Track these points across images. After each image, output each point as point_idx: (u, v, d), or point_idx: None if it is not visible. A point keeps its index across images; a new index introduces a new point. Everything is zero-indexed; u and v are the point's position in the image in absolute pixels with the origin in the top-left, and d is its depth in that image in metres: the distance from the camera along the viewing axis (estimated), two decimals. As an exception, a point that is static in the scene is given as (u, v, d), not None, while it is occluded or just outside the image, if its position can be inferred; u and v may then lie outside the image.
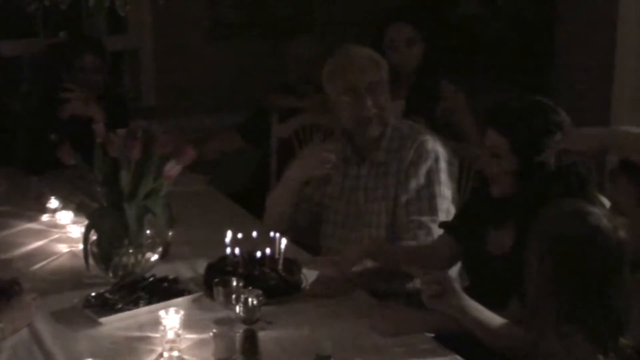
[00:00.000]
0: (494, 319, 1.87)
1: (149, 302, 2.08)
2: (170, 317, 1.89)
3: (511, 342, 1.83)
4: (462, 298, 1.85)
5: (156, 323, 1.91)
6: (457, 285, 1.86)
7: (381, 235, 2.46)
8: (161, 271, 2.24)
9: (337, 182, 2.60)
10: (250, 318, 1.84)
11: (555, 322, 1.63)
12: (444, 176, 2.48)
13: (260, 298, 1.87)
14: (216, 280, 2.00)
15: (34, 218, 2.73)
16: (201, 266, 2.27)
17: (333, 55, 2.53)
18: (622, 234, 1.62)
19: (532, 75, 3.59)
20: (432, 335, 1.99)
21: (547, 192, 1.96)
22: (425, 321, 2.00)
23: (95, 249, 2.24)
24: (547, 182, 1.99)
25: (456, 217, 2.35)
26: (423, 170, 2.44)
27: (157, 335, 1.90)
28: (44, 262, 2.40)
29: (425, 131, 2.56)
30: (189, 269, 2.33)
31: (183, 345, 1.89)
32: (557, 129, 2.00)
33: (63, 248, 2.50)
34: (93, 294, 2.10)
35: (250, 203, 3.03)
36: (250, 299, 1.84)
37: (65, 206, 2.69)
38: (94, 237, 2.24)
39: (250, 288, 1.91)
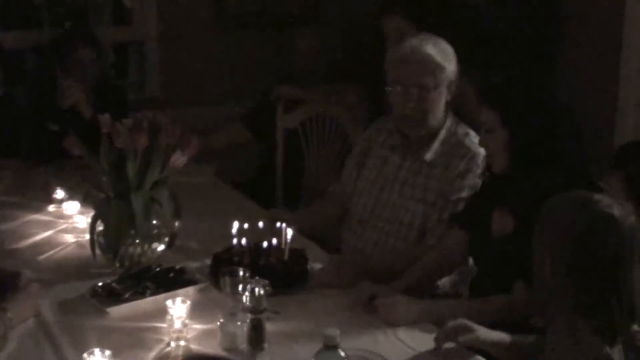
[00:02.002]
0: (504, 337, 1.86)
1: (156, 292, 2.07)
2: (177, 306, 1.89)
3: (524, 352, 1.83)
4: (473, 330, 1.84)
5: (163, 313, 1.91)
6: (464, 322, 1.85)
7: (410, 239, 2.41)
8: (167, 261, 2.23)
9: (374, 166, 2.56)
10: (257, 308, 1.82)
11: (564, 314, 1.62)
12: None
13: (267, 288, 1.85)
14: (223, 270, 1.99)
15: (41, 209, 2.72)
16: (207, 256, 2.26)
17: (401, 44, 2.46)
18: (632, 219, 1.59)
19: (539, 68, 3.57)
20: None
21: (540, 166, 2.00)
22: (431, 311, 2.02)
23: (101, 240, 2.24)
24: (540, 155, 2.02)
25: (465, 206, 2.33)
26: (469, 183, 2.37)
27: (164, 325, 1.90)
28: (50, 253, 2.39)
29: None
30: (195, 260, 2.32)
31: (190, 335, 1.88)
32: (547, 102, 2.05)
33: (70, 238, 2.50)
34: (100, 284, 2.10)
35: (257, 194, 3.05)
36: (256, 289, 1.82)
37: (71, 197, 2.69)
38: (100, 227, 2.24)
39: (256, 278, 1.89)
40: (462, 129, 2.46)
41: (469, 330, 1.82)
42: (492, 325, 1.90)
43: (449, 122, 2.46)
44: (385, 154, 2.54)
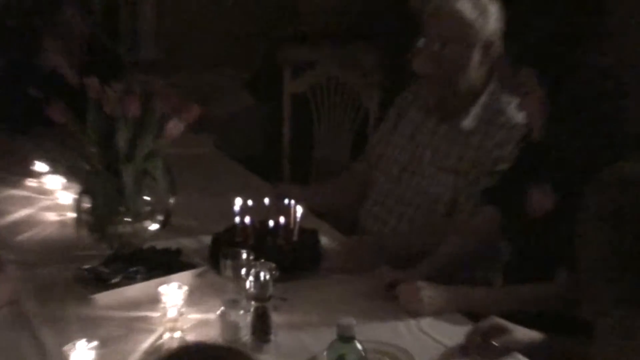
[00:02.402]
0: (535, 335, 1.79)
1: (148, 277, 2.01)
2: (172, 293, 1.82)
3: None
4: (509, 332, 1.75)
5: (155, 300, 1.84)
6: (498, 322, 1.76)
7: (439, 212, 2.32)
8: (162, 242, 2.18)
9: (407, 130, 2.47)
10: (262, 294, 1.74)
11: (613, 306, 1.47)
12: None
13: (274, 272, 1.77)
14: (224, 252, 1.92)
15: (19, 183, 2.66)
16: (207, 237, 2.21)
17: None
18: None
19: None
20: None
21: (583, 134, 1.92)
22: (459, 300, 1.94)
23: (88, 218, 2.15)
24: (582, 119, 1.93)
25: (498, 181, 2.22)
26: (507, 155, 2.25)
27: (157, 313, 1.84)
28: (30, 233, 2.35)
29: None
30: (193, 240, 2.26)
31: (186, 325, 1.82)
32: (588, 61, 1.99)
33: (52, 216, 2.44)
34: (85, 267, 2.04)
35: (262, 167, 2.99)
36: (262, 273, 1.74)
37: (54, 169, 2.60)
38: (86, 204, 2.15)
39: (262, 261, 1.81)
40: (507, 97, 2.35)
41: (504, 331, 1.74)
42: (530, 318, 1.80)
43: (491, 88, 2.35)
44: (420, 118, 2.46)
